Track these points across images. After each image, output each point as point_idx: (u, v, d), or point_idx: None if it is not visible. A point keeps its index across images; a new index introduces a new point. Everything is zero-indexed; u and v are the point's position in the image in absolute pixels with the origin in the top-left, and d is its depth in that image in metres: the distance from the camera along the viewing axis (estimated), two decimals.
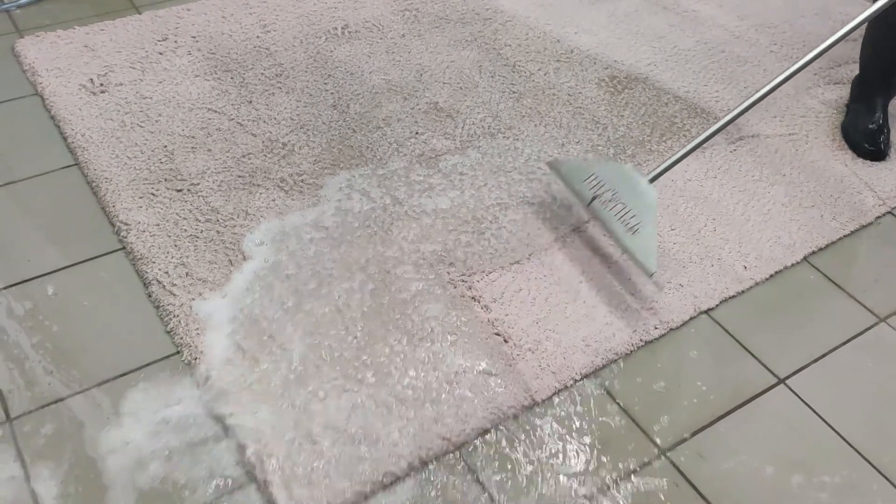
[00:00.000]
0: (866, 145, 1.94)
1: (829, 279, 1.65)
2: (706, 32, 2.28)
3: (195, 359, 1.34)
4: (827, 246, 1.71)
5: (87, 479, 1.19)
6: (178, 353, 1.36)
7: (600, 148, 1.84)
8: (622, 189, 1.52)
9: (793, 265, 1.66)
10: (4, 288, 1.43)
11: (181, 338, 1.37)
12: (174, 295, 1.43)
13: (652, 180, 1.55)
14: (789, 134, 1.97)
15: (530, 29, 2.19)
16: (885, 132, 1.96)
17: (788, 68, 1.60)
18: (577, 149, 1.83)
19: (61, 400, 1.27)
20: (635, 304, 1.53)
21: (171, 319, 1.40)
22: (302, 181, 1.67)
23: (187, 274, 1.47)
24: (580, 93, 2.00)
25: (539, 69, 2.06)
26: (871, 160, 1.94)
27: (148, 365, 1.34)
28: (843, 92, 2.13)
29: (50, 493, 1.16)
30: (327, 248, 1.54)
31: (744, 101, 1.58)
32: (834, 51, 2.25)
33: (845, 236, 1.74)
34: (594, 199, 1.53)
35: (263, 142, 1.75)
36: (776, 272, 1.64)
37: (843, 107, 2.07)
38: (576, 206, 1.63)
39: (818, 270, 1.66)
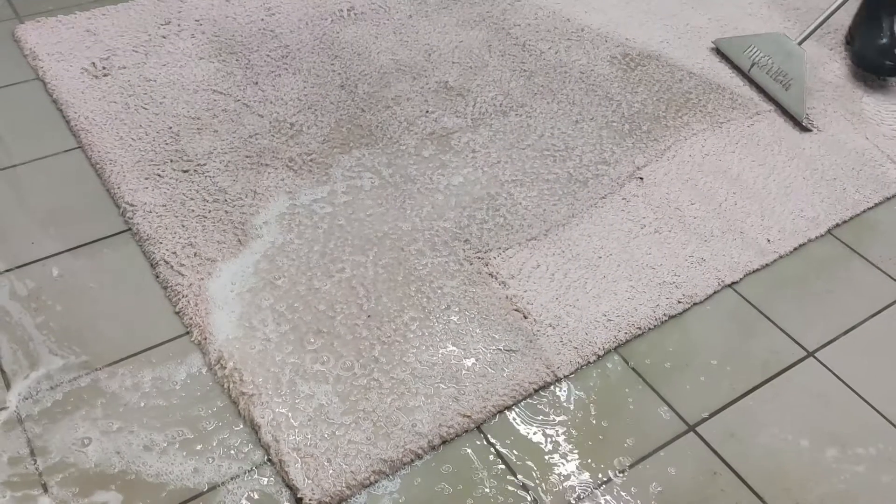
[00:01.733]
0: (887, 62, 1.91)
1: (855, 251, 1.60)
2: (718, 9, 2.23)
3: (205, 338, 1.30)
4: (851, 218, 1.67)
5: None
6: (187, 333, 1.32)
7: (615, 124, 1.80)
8: (776, 54, 1.82)
9: (817, 238, 1.62)
10: (8, 270, 1.38)
11: (190, 318, 1.33)
12: (182, 275, 1.39)
13: (800, 42, 1.81)
14: (808, 108, 1.92)
15: (539, 8, 2.14)
16: None
17: None
18: (592, 125, 1.79)
19: (67, 382, 1.23)
20: (656, 277, 1.49)
21: (179, 300, 1.36)
22: (311, 160, 1.63)
23: (196, 254, 1.42)
24: (592, 70, 1.96)
25: (550, 48, 2.01)
26: (894, 77, 1.94)
27: (157, 346, 1.30)
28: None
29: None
30: (338, 227, 1.50)
31: None
32: (849, 25, 2.22)
33: (869, 209, 1.70)
34: (753, 65, 1.83)
35: (271, 122, 1.71)
36: (800, 245, 1.60)
37: (859, 81, 2.03)
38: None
39: (843, 243, 1.62)
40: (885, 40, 1.90)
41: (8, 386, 1.22)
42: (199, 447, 1.17)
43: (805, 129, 1.81)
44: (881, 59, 1.90)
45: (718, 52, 1.97)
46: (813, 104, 1.94)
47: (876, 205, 1.71)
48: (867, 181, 1.75)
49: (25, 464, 1.13)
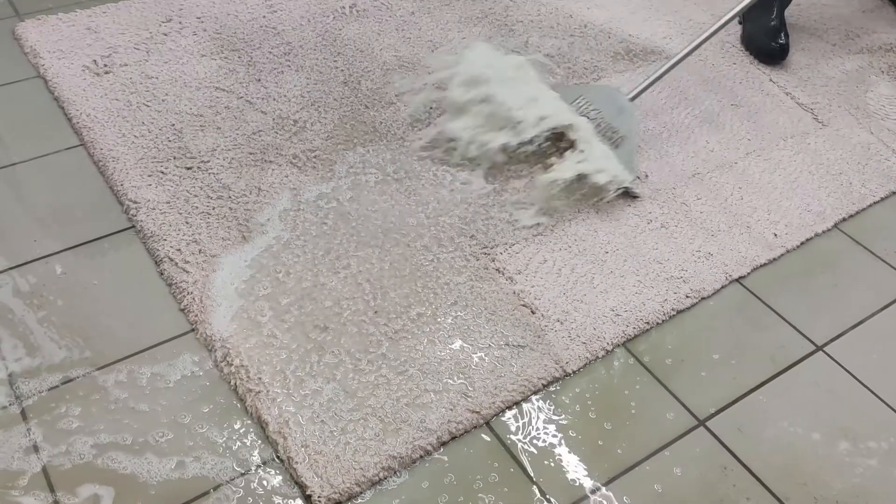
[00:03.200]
0: (771, 43, 1.96)
1: (862, 245, 1.60)
2: (721, 5, 2.23)
3: (210, 335, 1.29)
4: (857, 213, 1.66)
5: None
6: (192, 330, 1.31)
7: None
8: (606, 109, 1.62)
9: (824, 232, 1.61)
10: (11, 268, 1.37)
11: (195, 315, 1.32)
12: (187, 272, 1.38)
13: (632, 99, 1.64)
14: (812, 103, 1.92)
15: (542, 5, 2.14)
16: (784, 29, 1.97)
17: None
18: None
19: (72, 380, 1.22)
20: (664, 272, 1.48)
21: (184, 297, 1.34)
22: (315, 157, 1.62)
23: (200, 251, 1.41)
24: (596, 66, 1.95)
25: (553, 44, 2.01)
26: (779, 58, 1.96)
27: (162, 343, 1.28)
28: (863, 62, 2.08)
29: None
30: (343, 223, 1.49)
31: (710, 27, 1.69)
32: (851, 21, 2.22)
33: (875, 203, 1.70)
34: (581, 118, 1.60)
35: (274, 119, 1.70)
36: (807, 239, 1.59)
37: (863, 76, 2.03)
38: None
39: (850, 237, 1.61)
40: (774, 22, 1.97)
41: (11, 383, 1.21)
42: (206, 444, 1.16)
43: (634, 196, 1.59)
44: (767, 41, 1.96)
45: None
46: (817, 99, 1.93)
47: (882, 199, 1.70)
48: (873, 175, 1.75)
49: (28, 457, 1.12)
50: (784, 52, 1.98)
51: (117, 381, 1.22)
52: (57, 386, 1.21)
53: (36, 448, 1.13)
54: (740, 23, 2.12)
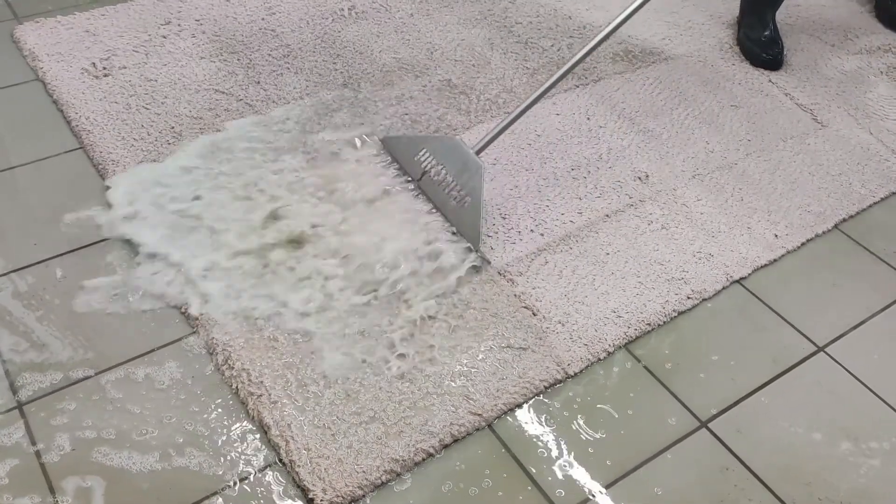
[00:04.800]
0: (763, 55, 2.01)
1: (863, 246, 1.60)
2: (719, 6, 2.23)
3: (211, 339, 1.28)
4: (857, 213, 1.66)
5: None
6: (193, 332, 1.30)
7: (616, 121, 1.79)
8: (450, 163, 1.49)
9: (824, 233, 1.61)
10: (12, 271, 1.37)
11: (196, 318, 1.31)
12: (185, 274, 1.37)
13: (478, 152, 1.50)
14: (811, 104, 1.92)
15: (540, 6, 2.14)
16: (778, 41, 2.03)
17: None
18: (593, 122, 1.78)
19: (78, 382, 1.22)
20: (665, 273, 1.48)
21: (185, 301, 1.34)
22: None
23: None
24: (595, 67, 1.95)
25: (552, 45, 2.01)
26: (769, 69, 2.01)
27: (164, 346, 1.28)
28: (862, 63, 2.08)
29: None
30: (343, 221, 1.48)
31: (576, 54, 1.51)
32: (850, 22, 2.22)
33: (875, 203, 1.70)
34: (424, 174, 1.51)
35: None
36: (808, 240, 1.59)
37: (862, 77, 2.03)
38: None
39: (850, 238, 1.61)
40: (766, 37, 2.02)
41: (12, 386, 1.20)
42: (207, 448, 1.16)
43: (482, 261, 1.43)
44: (759, 52, 2.02)
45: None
46: (817, 100, 1.93)
47: (882, 199, 1.71)
48: (872, 176, 1.75)
49: (28, 455, 1.12)
50: (776, 64, 2.01)
51: (118, 385, 1.22)
52: (57, 388, 1.20)
53: (34, 443, 1.13)
54: (738, 23, 2.12)
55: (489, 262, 1.44)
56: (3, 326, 1.28)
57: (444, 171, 1.48)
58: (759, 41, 2.02)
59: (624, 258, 1.50)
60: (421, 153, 1.52)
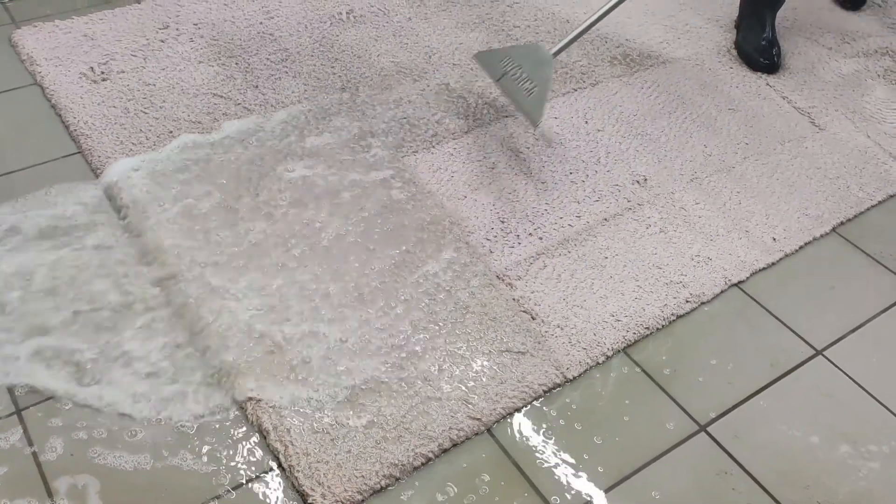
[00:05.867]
0: (761, 59, 2.02)
1: (861, 249, 1.60)
2: (717, 10, 2.23)
3: (209, 343, 1.28)
4: (856, 216, 1.67)
5: None
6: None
7: (614, 125, 1.79)
8: (527, 64, 1.72)
9: (822, 236, 1.62)
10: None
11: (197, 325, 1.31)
12: (188, 280, 1.37)
13: (555, 54, 1.74)
14: (809, 107, 1.92)
15: (539, 10, 2.14)
16: (776, 46, 2.04)
17: None
18: (592, 126, 1.79)
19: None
20: (663, 277, 1.48)
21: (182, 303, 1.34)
22: None
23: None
24: (593, 71, 1.95)
25: (550, 49, 2.00)
26: (767, 73, 2.02)
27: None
28: (859, 66, 2.09)
29: None
30: (346, 229, 1.48)
31: None
32: (847, 25, 2.23)
33: (873, 206, 1.70)
34: (503, 75, 1.73)
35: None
36: (806, 243, 1.59)
37: (859, 80, 2.03)
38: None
39: (848, 241, 1.62)
40: (764, 41, 2.03)
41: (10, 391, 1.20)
42: (206, 453, 1.16)
43: (545, 141, 1.74)
44: (758, 57, 2.03)
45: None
46: (814, 103, 1.94)
47: (880, 202, 1.71)
48: (870, 179, 1.75)
49: (26, 459, 1.12)
50: (773, 69, 2.02)
51: (117, 390, 1.22)
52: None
53: (32, 449, 1.13)
54: (736, 27, 2.13)
55: (549, 141, 1.72)
56: None
57: (520, 70, 1.71)
58: (757, 46, 2.03)
59: (622, 262, 1.50)
60: (504, 59, 1.75)
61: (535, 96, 1.67)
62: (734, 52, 2.08)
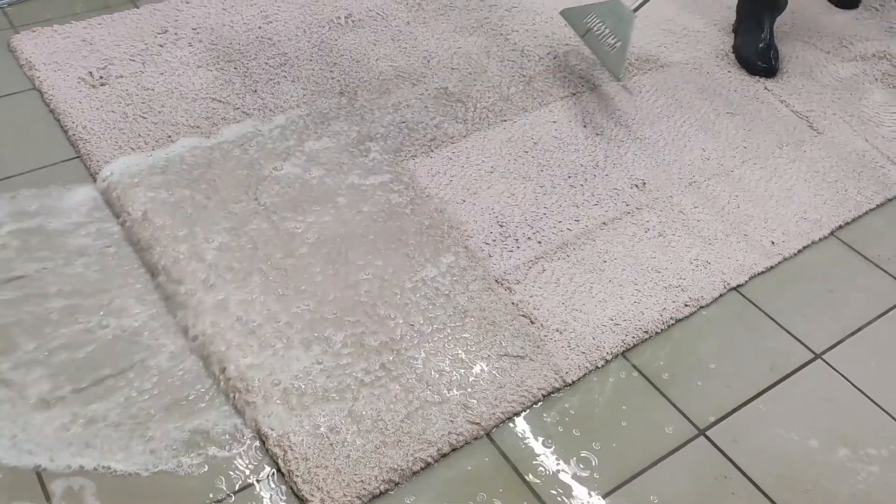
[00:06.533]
0: (759, 63, 2.03)
1: (859, 253, 1.60)
2: (715, 14, 2.24)
3: (208, 349, 1.28)
4: (854, 220, 1.67)
5: None
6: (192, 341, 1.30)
7: (613, 129, 1.80)
8: (609, 20, 1.88)
9: (821, 240, 1.62)
10: (8, 281, 1.37)
11: (192, 328, 1.31)
12: (182, 283, 1.37)
13: (634, 10, 1.88)
14: (807, 111, 1.93)
15: (537, 14, 2.14)
16: (773, 48, 2.05)
17: None
18: (590, 129, 1.79)
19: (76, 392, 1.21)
20: (662, 281, 1.48)
21: (179, 310, 1.34)
22: None
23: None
24: (592, 75, 1.96)
25: (548, 53, 2.01)
26: (765, 77, 2.03)
27: (160, 355, 1.28)
28: (857, 69, 2.09)
29: None
30: (346, 232, 1.48)
31: None
32: (845, 29, 2.23)
33: (871, 210, 1.70)
34: (588, 32, 1.89)
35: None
36: (804, 247, 1.59)
37: (857, 84, 2.04)
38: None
39: (846, 244, 1.62)
40: (762, 44, 2.04)
41: None
42: (203, 458, 1.16)
43: (626, 91, 1.92)
44: (756, 61, 2.04)
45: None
46: (812, 107, 1.94)
47: (878, 206, 1.71)
48: (868, 183, 1.76)
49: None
50: (771, 72, 2.02)
51: (114, 397, 1.22)
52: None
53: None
54: (734, 31, 2.13)
55: (630, 92, 1.91)
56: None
57: (603, 26, 1.88)
58: (755, 49, 2.03)
59: (621, 266, 1.50)
60: (588, 16, 1.91)
61: (617, 52, 1.84)
62: (732, 55, 2.08)
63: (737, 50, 2.08)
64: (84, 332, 1.29)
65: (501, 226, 1.54)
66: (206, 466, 1.15)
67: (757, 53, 2.03)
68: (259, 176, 1.58)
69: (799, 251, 1.58)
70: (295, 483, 1.13)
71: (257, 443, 1.18)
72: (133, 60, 1.84)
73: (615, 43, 1.85)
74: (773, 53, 2.03)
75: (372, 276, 1.42)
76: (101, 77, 1.78)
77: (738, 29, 2.11)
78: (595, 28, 1.88)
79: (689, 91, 1.95)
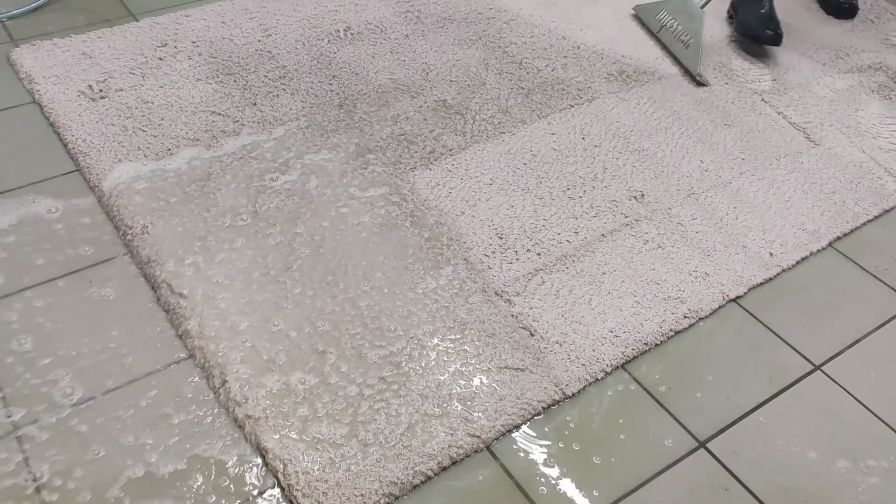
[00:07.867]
0: (766, 31, 2.08)
1: (857, 264, 1.61)
2: (714, 26, 2.25)
3: (208, 362, 1.28)
4: (852, 231, 1.68)
5: None
6: (191, 357, 1.30)
7: (611, 141, 1.80)
8: (680, 17, 2.04)
9: (819, 251, 1.62)
10: (6, 296, 1.37)
11: (194, 341, 1.31)
12: (184, 296, 1.37)
13: (702, 6, 2.03)
14: (804, 122, 1.94)
15: (535, 27, 2.15)
16: (775, 20, 2.10)
17: None
18: (588, 141, 1.79)
19: (75, 406, 1.21)
20: (661, 293, 1.48)
21: (182, 322, 1.34)
22: None
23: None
24: (590, 87, 1.96)
25: (546, 65, 2.02)
26: (774, 45, 2.08)
27: (160, 370, 1.28)
28: (853, 81, 2.10)
29: None
30: (345, 246, 1.49)
31: None
32: (848, 42, 2.24)
33: (869, 221, 1.71)
34: (661, 28, 2.08)
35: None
36: (803, 258, 1.60)
37: (854, 95, 2.05)
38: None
39: (845, 256, 1.62)
40: (763, 11, 2.09)
41: (9, 415, 1.20)
42: (204, 472, 1.15)
43: (700, 84, 1.99)
44: (762, 28, 2.08)
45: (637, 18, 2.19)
46: (809, 118, 1.95)
47: (875, 217, 1.72)
48: (866, 194, 1.76)
49: (22, 476, 1.11)
50: (778, 38, 2.06)
51: (112, 409, 1.22)
52: (55, 420, 1.20)
53: (31, 474, 1.13)
54: (731, 16, 2.18)
55: (708, 84, 2.01)
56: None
57: (675, 23, 2.04)
58: (759, 16, 2.08)
59: (620, 278, 1.50)
60: (660, 13, 2.08)
61: (691, 48, 1.99)
62: (729, 66, 2.09)
63: (740, 24, 2.14)
64: None
65: (501, 238, 1.55)
66: (205, 482, 1.14)
67: (761, 22, 2.07)
68: (258, 188, 1.58)
69: (797, 262, 1.59)
70: (295, 497, 1.13)
71: (256, 457, 1.18)
72: (133, 73, 1.84)
73: (689, 39, 2.00)
74: (776, 21, 2.08)
75: (371, 288, 1.42)
76: (101, 90, 1.79)
77: (738, 6, 2.17)
78: (668, 25, 2.04)
79: (686, 103, 1.96)
